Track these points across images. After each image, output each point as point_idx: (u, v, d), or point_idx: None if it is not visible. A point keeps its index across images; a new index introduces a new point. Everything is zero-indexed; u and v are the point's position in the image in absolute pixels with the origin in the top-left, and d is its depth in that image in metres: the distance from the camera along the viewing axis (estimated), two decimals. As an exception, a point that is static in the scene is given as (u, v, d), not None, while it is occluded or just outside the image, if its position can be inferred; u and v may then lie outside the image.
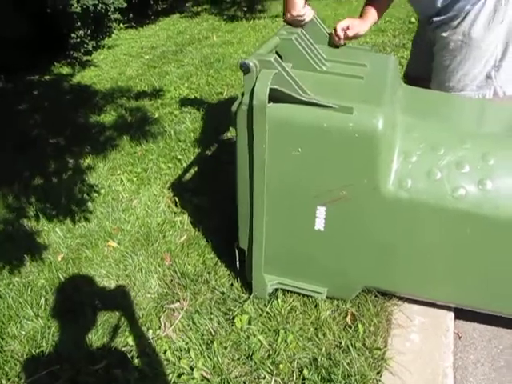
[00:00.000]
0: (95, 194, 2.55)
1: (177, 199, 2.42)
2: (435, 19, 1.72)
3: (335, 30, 1.77)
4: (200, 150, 2.93)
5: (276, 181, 1.48)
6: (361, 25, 1.81)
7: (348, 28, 1.77)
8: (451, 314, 1.73)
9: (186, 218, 2.27)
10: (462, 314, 1.73)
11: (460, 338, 1.75)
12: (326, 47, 1.78)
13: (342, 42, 1.81)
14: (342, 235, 1.52)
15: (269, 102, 1.33)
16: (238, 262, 1.81)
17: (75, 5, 4.35)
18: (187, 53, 4.97)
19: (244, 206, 1.58)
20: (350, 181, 1.39)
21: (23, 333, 1.73)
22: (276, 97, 1.34)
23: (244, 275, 1.80)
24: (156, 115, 3.49)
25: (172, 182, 2.62)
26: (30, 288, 1.92)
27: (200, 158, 2.86)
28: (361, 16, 1.86)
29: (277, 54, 1.51)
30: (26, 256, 2.09)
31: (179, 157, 2.86)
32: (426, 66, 1.87)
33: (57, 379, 1.54)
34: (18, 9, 3.90)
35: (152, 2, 6.81)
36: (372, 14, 1.84)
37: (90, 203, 2.46)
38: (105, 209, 2.42)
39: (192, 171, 2.70)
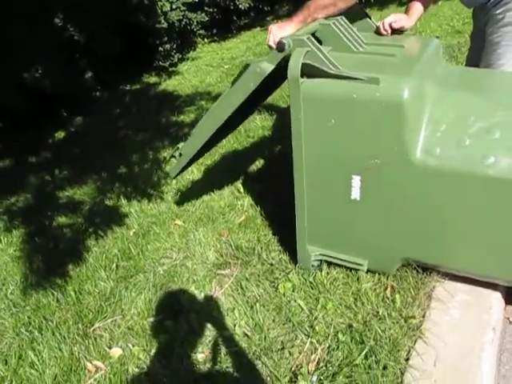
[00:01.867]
0: (168, 182, 2.83)
1: (240, 185, 2.60)
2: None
3: (383, 23, 1.84)
4: (266, 145, 3.10)
5: (313, 153, 1.59)
6: (407, 19, 1.87)
7: (394, 21, 1.84)
8: (497, 294, 1.69)
9: (246, 202, 2.44)
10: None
11: (511, 323, 1.71)
12: (369, 34, 1.84)
13: (388, 35, 1.88)
14: (378, 204, 1.57)
15: (302, 77, 1.46)
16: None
17: (162, 21, 4.79)
18: (264, 61, 5.20)
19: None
20: (381, 149, 1.45)
21: (97, 290, 2.00)
22: (309, 72, 1.47)
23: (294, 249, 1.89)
24: (230, 115, 3.73)
25: (237, 171, 2.81)
26: (104, 255, 2.22)
27: (265, 150, 3.03)
28: (406, 12, 1.92)
29: (316, 38, 1.63)
30: (104, 230, 2.41)
31: (247, 150, 3.05)
32: (481, 53, 1.88)
33: (119, 327, 1.77)
34: (111, 28, 4.37)
35: (235, 18, 7.19)
36: (417, 8, 1.89)
37: (163, 188, 2.74)
38: (175, 193, 2.68)
39: (257, 162, 2.87)
